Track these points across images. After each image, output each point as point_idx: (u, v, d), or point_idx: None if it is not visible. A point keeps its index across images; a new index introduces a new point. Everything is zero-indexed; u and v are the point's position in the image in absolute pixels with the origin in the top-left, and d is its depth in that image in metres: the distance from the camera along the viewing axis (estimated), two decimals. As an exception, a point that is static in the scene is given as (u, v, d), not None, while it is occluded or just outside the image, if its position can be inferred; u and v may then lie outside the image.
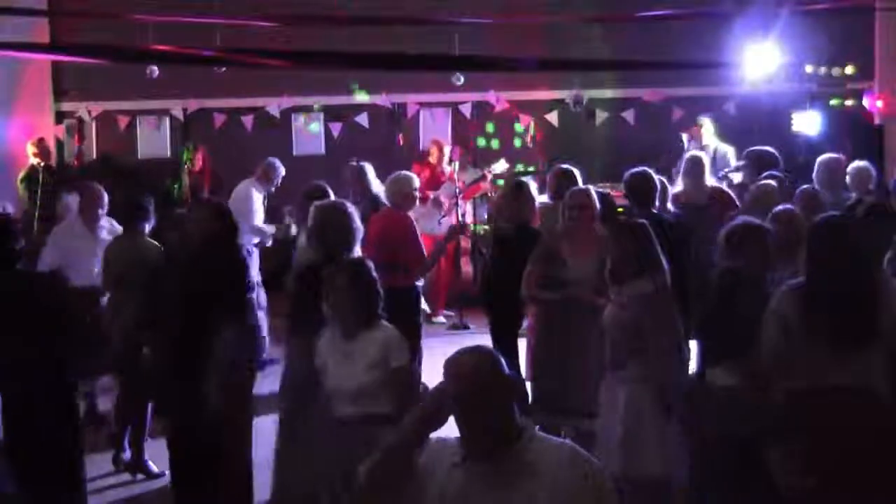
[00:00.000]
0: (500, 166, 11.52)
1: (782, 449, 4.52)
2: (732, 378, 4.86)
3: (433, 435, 3.18)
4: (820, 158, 8.21)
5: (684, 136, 11.22)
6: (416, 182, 7.77)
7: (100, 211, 7.65)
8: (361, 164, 8.82)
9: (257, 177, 9.73)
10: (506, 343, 6.95)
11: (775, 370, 4.68)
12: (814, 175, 8.06)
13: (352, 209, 6.04)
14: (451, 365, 3.16)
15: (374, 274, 4.97)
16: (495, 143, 12.83)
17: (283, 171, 9.72)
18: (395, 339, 4.89)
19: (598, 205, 6.60)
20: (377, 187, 8.50)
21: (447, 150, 11.57)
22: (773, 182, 7.51)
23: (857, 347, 4.59)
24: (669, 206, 7.78)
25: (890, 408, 4.57)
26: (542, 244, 6.62)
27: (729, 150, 10.50)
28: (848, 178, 8.19)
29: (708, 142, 10.74)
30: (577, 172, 7.73)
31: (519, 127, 12.82)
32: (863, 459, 4.45)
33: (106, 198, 7.73)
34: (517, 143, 12.81)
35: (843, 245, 4.75)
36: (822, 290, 4.69)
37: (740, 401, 4.73)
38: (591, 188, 6.87)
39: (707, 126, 10.85)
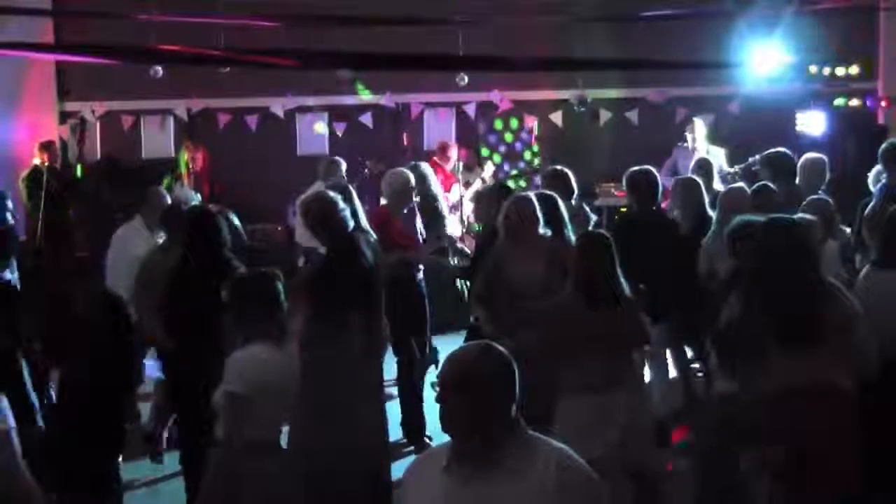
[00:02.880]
0: (488, 170, 11.55)
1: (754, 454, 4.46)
2: (731, 386, 4.70)
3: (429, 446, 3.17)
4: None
5: (689, 136, 11.21)
6: (410, 178, 7.77)
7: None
8: (420, 164, 8.87)
9: (321, 177, 9.51)
10: None
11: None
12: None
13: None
14: (451, 360, 3.15)
15: (253, 289, 4.79)
16: (499, 143, 12.81)
17: (343, 166, 9.43)
18: (231, 362, 4.67)
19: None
20: (436, 188, 8.61)
21: (454, 152, 11.47)
22: (743, 185, 7.44)
23: (809, 345, 4.57)
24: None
25: (848, 404, 4.55)
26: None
27: (720, 152, 10.47)
28: (871, 180, 8.23)
29: (699, 144, 10.73)
30: (570, 174, 7.66)
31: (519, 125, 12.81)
32: (819, 457, 4.43)
33: (168, 200, 7.87)
34: (521, 143, 12.79)
35: (779, 245, 4.75)
36: (763, 290, 4.69)
37: (733, 409, 4.60)
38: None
39: (699, 127, 10.85)
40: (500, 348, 3.15)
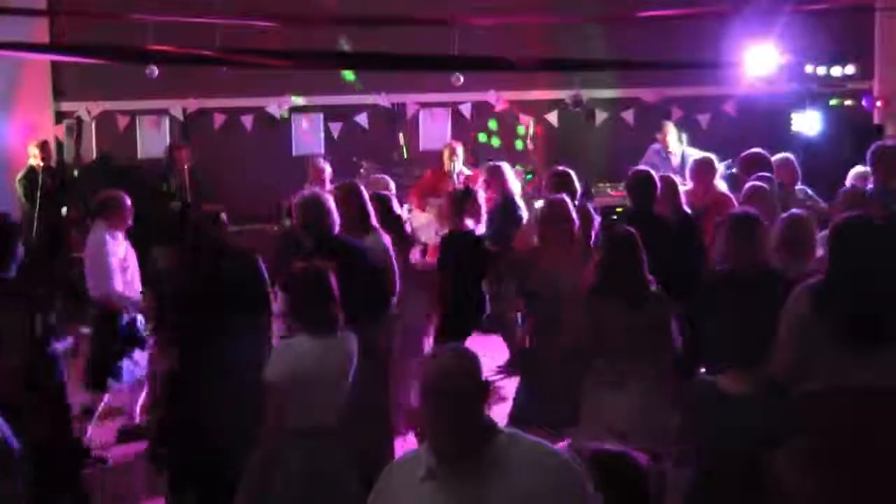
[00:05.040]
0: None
1: (792, 451, 4.41)
2: (745, 386, 4.47)
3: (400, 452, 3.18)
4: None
5: (683, 137, 11.21)
6: (389, 184, 7.84)
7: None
8: (498, 163, 8.81)
9: (311, 180, 9.51)
10: None
11: (792, 372, 4.59)
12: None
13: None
14: (431, 364, 3.18)
15: (302, 282, 4.89)
16: (495, 143, 12.81)
17: (322, 165, 9.71)
18: (272, 352, 4.86)
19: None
20: (514, 187, 8.58)
21: (460, 150, 10.66)
22: (765, 184, 7.46)
23: (881, 346, 4.54)
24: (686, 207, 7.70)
25: None
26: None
27: (695, 153, 10.47)
28: (849, 182, 8.23)
29: (674, 147, 10.73)
30: (573, 174, 7.68)
31: (519, 127, 12.80)
32: (885, 458, 4.41)
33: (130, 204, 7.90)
34: (517, 143, 12.79)
35: (864, 244, 4.71)
36: (843, 289, 4.65)
37: (756, 410, 4.50)
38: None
39: (671, 131, 10.86)
40: (471, 351, 3.23)
